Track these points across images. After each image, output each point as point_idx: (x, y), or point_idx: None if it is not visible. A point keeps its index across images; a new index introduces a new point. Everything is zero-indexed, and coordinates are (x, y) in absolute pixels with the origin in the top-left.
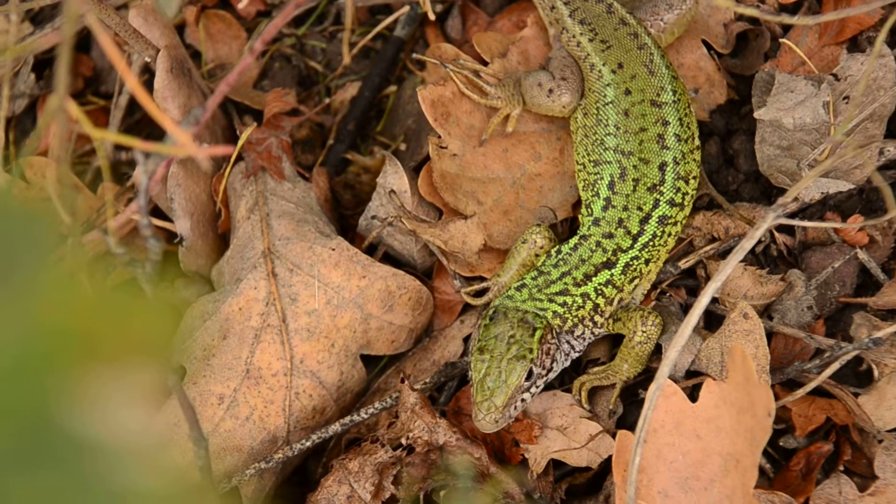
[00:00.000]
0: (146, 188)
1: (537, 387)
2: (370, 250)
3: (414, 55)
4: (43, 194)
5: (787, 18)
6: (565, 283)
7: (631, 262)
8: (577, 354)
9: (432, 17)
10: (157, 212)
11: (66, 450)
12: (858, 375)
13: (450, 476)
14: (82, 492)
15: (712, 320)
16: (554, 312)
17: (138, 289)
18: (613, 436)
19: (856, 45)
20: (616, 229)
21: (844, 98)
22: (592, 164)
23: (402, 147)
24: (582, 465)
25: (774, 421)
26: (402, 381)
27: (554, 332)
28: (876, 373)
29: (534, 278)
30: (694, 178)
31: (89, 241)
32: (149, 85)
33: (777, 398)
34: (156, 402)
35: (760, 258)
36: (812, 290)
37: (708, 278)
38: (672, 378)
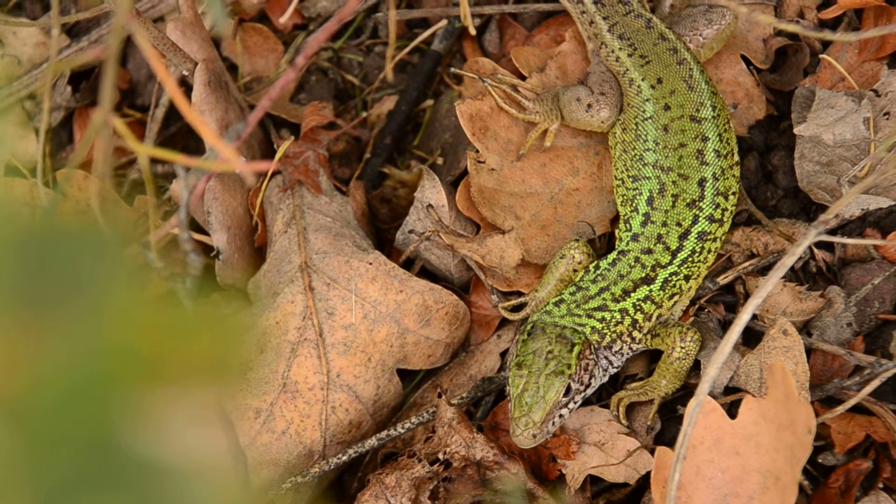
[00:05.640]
0: (187, 203)
1: (575, 402)
2: (407, 265)
3: (451, 69)
4: (80, 207)
5: (828, 35)
6: (604, 299)
7: (670, 278)
8: (615, 370)
9: (473, 31)
10: (192, 225)
11: (130, 471)
12: None
13: (488, 492)
14: None
15: (751, 336)
16: (592, 328)
17: (177, 303)
18: (651, 452)
19: None
20: (655, 245)
21: (885, 114)
22: (631, 179)
23: (440, 161)
24: (619, 481)
25: (813, 438)
26: (439, 396)
27: (592, 347)
28: None
29: (572, 294)
30: (733, 193)
31: (127, 254)
32: (185, 99)
33: (816, 415)
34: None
35: (799, 274)
36: (851, 306)
37: (747, 294)
38: (710, 394)
